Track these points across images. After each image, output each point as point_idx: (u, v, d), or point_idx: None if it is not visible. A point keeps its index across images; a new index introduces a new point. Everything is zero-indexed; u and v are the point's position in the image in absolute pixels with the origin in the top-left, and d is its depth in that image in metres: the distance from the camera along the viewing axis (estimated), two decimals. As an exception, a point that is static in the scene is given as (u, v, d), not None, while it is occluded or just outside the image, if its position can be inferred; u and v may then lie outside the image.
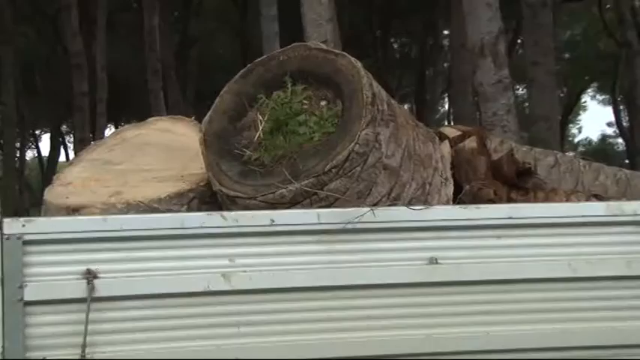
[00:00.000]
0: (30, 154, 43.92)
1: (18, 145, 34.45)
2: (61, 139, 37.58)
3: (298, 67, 4.75)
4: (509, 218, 4.51)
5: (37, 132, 42.68)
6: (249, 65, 4.93)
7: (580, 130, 48.91)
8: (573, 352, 4.46)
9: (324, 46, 5.14)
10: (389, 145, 4.52)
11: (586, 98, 44.48)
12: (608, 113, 44.22)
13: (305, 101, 4.68)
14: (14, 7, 25.43)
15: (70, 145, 34.17)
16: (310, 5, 10.40)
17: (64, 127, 36.11)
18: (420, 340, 4.34)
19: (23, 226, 4.07)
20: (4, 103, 26.08)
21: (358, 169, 4.42)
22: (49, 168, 34.23)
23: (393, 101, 4.71)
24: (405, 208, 4.45)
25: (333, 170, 4.38)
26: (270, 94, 4.72)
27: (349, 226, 4.29)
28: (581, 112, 46.77)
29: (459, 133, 5.36)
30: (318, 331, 4.28)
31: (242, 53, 24.94)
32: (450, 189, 4.89)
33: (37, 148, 44.03)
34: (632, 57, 25.69)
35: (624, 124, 35.91)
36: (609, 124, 45.13)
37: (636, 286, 4.54)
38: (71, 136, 32.54)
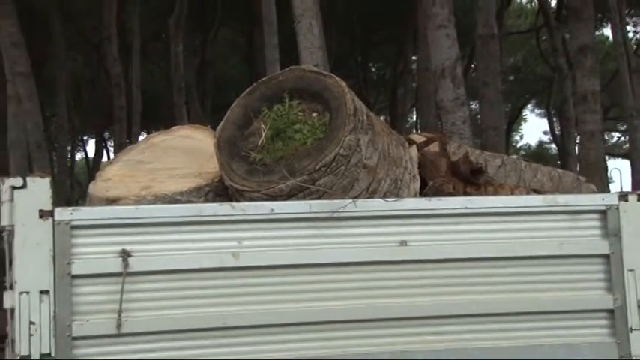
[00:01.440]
0: (79, 156, 43.87)
1: (69, 148, 34.46)
2: (103, 143, 37.55)
3: (294, 86, 4.73)
4: (465, 208, 4.51)
5: (85, 138, 42.65)
6: (254, 84, 4.92)
7: (521, 137, 49.09)
8: (515, 317, 4.45)
9: (315, 69, 5.14)
10: (368, 148, 4.50)
11: (526, 112, 44.67)
12: (543, 124, 44.37)
13: (300, 113, 4.66)
14: (66, 37, 25.37)
15: (111, 149, 34.07)
16: (304, 36, 10.38)
17: (106, 134, 36.03)
18: (392, 306, 4.33)
19: (71, 214, 4.06)
20: (57, 115, 26.03)
21: (343, 168, 4.40)
22: (94, 167, 34.18)
23: (371, 113, 4.70)
24: (381, 200, 4.47)
25: (323, 169, 4.37)
26: (271, 107, 4.69)
27: (335, 214, 4.29)
28: (522, 122, 46.93)
29: (424, 139, 5.35)
30: (309, 299, 4.26)
31: (249, 74, 24.87)
32: (417, 184, 4.88)
33: (85, 151, 44.03)
34: (562, 79, 25.81)
35: (556, 132, 36.03)
36: (545, 133, 45.28)
37: (566, 263, 4.54)
38: (112, 141, 32.44)
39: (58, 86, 25.21)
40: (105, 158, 37.20)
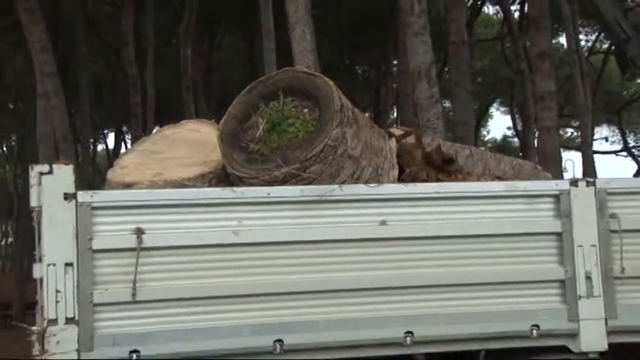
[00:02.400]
0: (100, 147, 43.77)
1: (91, 140, 34.35)
2: (122, 136, 37.38)
3: (288, 85, 4.73)
4: (437, 193, 4.54)
5: (105, 131, 42.55)
6: (253, 83, 4.92)
7: (488, 132, 48.87)
8: (481, 287, 4.49)
9: (307, 70, 5.16)
10: (352, 140, 4.50)
11: (492, 110, 44.52)
12: (507, 120, 44.36)
13: (293, 109, 4.66)
14: (88, 42, 25.31)
15: (129, 141, 34.00)
16: (298, 42, 10.37)
17: (124, 127, 35.89)
18: (373, 277, 4.36)
19: (92, 196, 4.08)
20: (81, 111, 25.99)
21: (330, 157, 4.41)
22: (113, 157, 34.15)
23: (355, 109, 4.71)
24: (364, 185, 4.48)
25: (313, 158, 4.38)
26: (268, 103, 4.69)
27: (323, 198, 4.31)
28: (489, 119, 46.80)
29: (402, 132, 5.37)
30: (300, 272, 4.29)
31: (250, 75, 24.80)
32: (396, 172, 4.88)
33: (105, 143, 43.86)
34: (523, 81, 25.73)
35: (518, 128, 36.04)
36: (508, 128, 45.16)
37: (525, 240, 4.57)
38: (129, 134, 32.41)
39: (81, 86, 25.11)
40: (123, 149, 37.27)
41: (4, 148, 43.56)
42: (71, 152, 17.33)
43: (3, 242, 46.63)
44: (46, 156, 15.26)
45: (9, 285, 28.31)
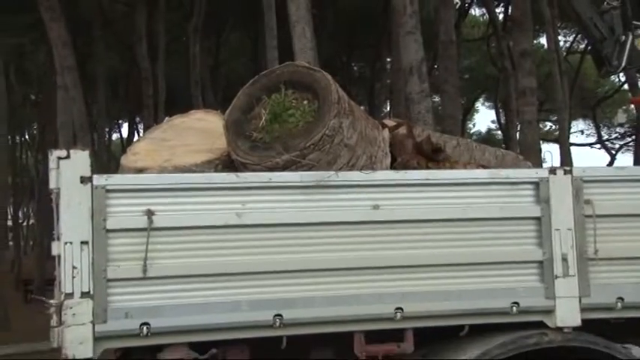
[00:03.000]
0: (115, 136, 43.80)
1: (107, 129, 34.38)
2: (135, 126, 37.47)
3: (289, 78, 4.73)
4: (427, 179, 4.52)
5: (120, 121, 42.62)
6: (256, 76, 4.92)
7: (474, 125, 49.00)
8: (466, 267, 4.48)
9: (307, 65, 5.14)
10: (348, 130, 4.50)
11: (478, 104, 44.61)
12: (491, 114, 44.49)
13: (293, 101, 4.65)
14: (105, 39, 25.33)
15: (141, 130, 34.03)
16: (299, 39, 10.39)
17: (137, 118, 35.93)
18: (366, 257, 4.35)
19: (106, 180, 4.06)
20: (97, 102, 26.02)
21: (328, 146, 4.41)
22: (127, 145, 34.20)
23: (352, 102, 4.71)
24: (359, 172, 4.47)
25: (311, 146, 4.38)
26: (270, 95, 4.68)
27: (321, 183, 4.29)
28: (475, 113, 46.88)
29: (394, 123, 5.36)
30: (299, 252, 4.26)
31: (254, 70, 24.77)
32: (388, 160, 4.89)
33: (120, 132, 43.97)
34: (507, 78, 25.84)
35: (502, 121, 36.14)
36: (492, 122, 45.33)
37: (506, 223, 4.56)
38: (142, 124, 32.44)
39: (97, 79, 25.21)
40: (136, 138, 37.35)
41: (27, 136, 43.54)
42: (88, 140, 17.39)
43: (25, 223, 46.63)
44: (65, 143, 15.32)
45: (30, 263, 28.39)
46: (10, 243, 35.13)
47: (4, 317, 18.23)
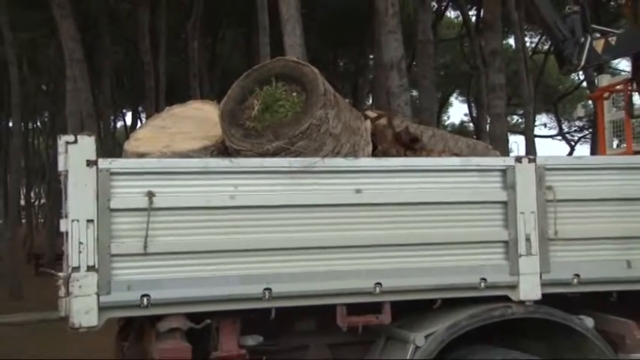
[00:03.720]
0: (119, 124, 43.60)
1: (112, 118, 34.17)
2: (137, 115, 37.30)
3: (280, 72, 4.70)
4: (405, 166, 4.52)
5: (124, 110, 42.46)
6: (249, 70, 4.89)
7: (448, 117, 49.22)
8: (440, 246, 4.48)
9: (296, 60, 5.11)
10: (334, 120, 4.48)
11: (452, 99, 44.74)
12: (464, 108, 44.70)
13: (283, 93, 4.62)
14: (110, 34, 25.21)
15: (144, 119, 33.90)
16: (289, 36, 10.36)
17: (140, 107, 35.78)
18: (349, 237, 4.33)
19: (110, 163, 4.02)
20: (103, 92, 25.89)
21: (315, 134, 4.39)
22: (130, 132, 34.14)
23: (337, 94, 4.68)
24: (343, 159, 4.46)
25: (299, 135, 4.36)
26: (262, 88, 4.66)
27: (308, 169, 4.28)
28: (449, 106, 47.03)
29: (376, 115, 5.34)
30: (287, 231, 4.25)
31: (247, 65, 24.69)
32: (370, 148, 4.86)
33: (124, 120, 43.84)
34: (478, 75, 25.86)
35: (473, 114, 36.20)
36: (465, 115, 45.53)
37: (476, 207, 4.56)
38: (144, 113, 32.36)
39: (103, 71, 25.12)
40: (139, 125, 37.24)
41: (38, 123, 43.26)
42: (94, 127, 17.34)
43: (36, 202, 46.40)
44: (73, 130, 15.22)
45: (41, 239, 28.31)
46: (23, 220, 35.06)
47: (17, 288, 18.24)
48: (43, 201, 44.46)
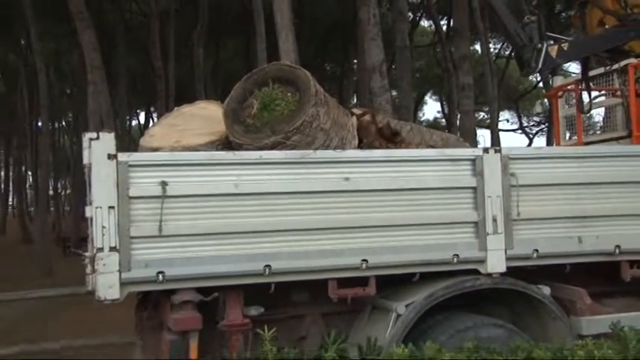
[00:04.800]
0: (134, 123, 43.36)
1: (127, 117, 34.01)
2: (150, 114, 37.23)
3: (276, 75, 4.67)
4: (387, 157, 4.51)
5: (138, 110, 42.20)
6: (249, 73, 4.85)
7: (423, 114, 49.11)
8: (418, 226, 4.48)
9: (290, 64, 5.09)
10: (324, 117, 4.45)
11: (426, 97, 44.67)
12: (437, 106, 44.76)
13: (279, 93, 4.58)
14: (126, 43, 25.04)
15: (155, 118, 33.74)
16: (283, 43, 10.31)
17: (152, 108, 35.63)
18: (338, 219, 4.33)
19: (128, 157, 4.02)
20: (119, 95, 25.74)
21: (307, 129, 4.36)
22: (144, 130, 34.03)
23: (326, 94, 4.65)
24: (332, 151, 4.44)
25: (294, 130, 4.33)
26: (261, 89, 4.62)
27: (302, 160, 4.28)
28: (424, 105, 46.97)
29: (361, 112, 5.28)
30: (284, 215, 4.24)
31: (246, 69, 24.61)
32: (356, 142, 4.83)
33: (138, 119, 43.55)
34: (449, 77, 25.92)
35: (445, 111, 36.23)
36: (438, 112, 45.63)
37: (450, 192, 4.55)
38: (155, 113, 32.22)
39: (120, 76, 24.94)
40: (151, 124, 37.10)
41: (63, 123, 42.98)
42: (112, 126, 17.24)
43: (63, 192, 46.17)
44: (94, 128, 15.13)
45: (67, 224, 28.21)
46: (52, 208, 34.90)
47: (47, 267, 18.21)
48: (68, 191, 44.22)
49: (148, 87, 29.41)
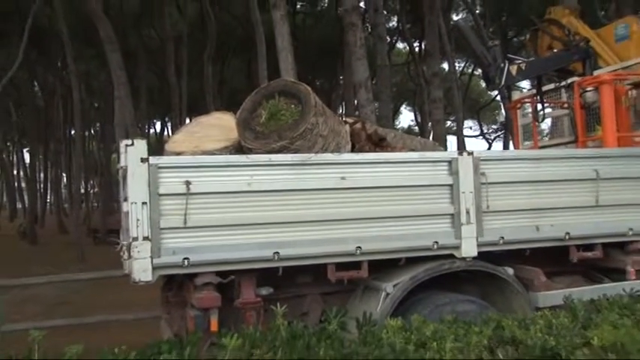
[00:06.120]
0: (151, 131, 43.05)
1: (146, 126, 33.80)
2: (165, 124, 37.02)
3: (281, 89, 4.64)
4: (376, 159, 4.51)
5: (154, 120, 41.88)
6: (257, 88, 4.83)
7: (399, 122, 49.18)
8: (403, 218, 4.47)
9: (293, 80, 5.07)
10: (322, 125, 4.43)
11: (402, 108, 44.69)
12: (411, 115, 44.85)
13: (284, 105, 4.55)
14: (146, 63, 24.96)
15: (170, 128, 33.57)
16: (283, 62, 10.28)
17: (167, 118, 35.44)
18: (336, 212, 4.31)
19: (158, 160, 3.99)
20: (141, 107, 25.60)
21: (309, 136, 4.34)
22: (159, 138, 33.89)
23: (324, 105, 4.63)
24: (330, 154, 4.42)
25: (297, 136, 4.31)
26: (268, 101, 4.59)
27: (304, 162, 4.26)
28: (400, 114, 47.02)
29: (353, 121, 5.29)
30: (290, 209, 4.22)
31: (249, 85, 24.50)
32: (349, 146, 4.81)
33: (154, 128, 43.26)
34: (422, 91, 25.97)
35: (418, 120, 36.27)
36: (412, 120, 45.63)
37: (430, 188, 4.55)
38: (170, 123, 32.09)
39: (141, 91, 24.83)
40: (165, 133, 36.93)
41: (92, 131, 42.69)
42: (136, 134, 17.14)
43: (92, 191, 45.85)
44: (120, 136, 15.07)
45: (96, 218, 28.02)
46: (83, 204, 34.67)
47: (81, 254, 18.18)
48: (96, 190, 43.89)
49: (164, 100, 29.30)
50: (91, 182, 46.24)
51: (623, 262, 5.17)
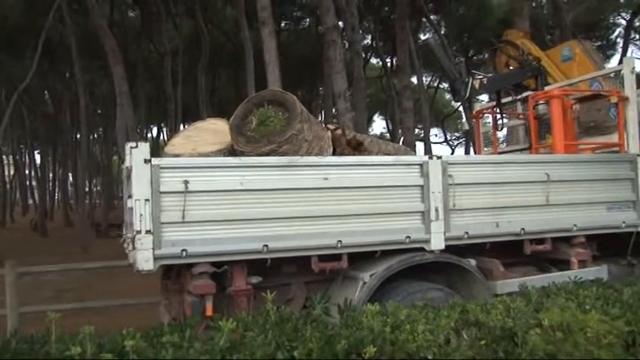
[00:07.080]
0: (149, 135, 42.43)
1: (144, 131, 33.36)
2: (161, 129, 36.58)
3: (270, 98, 4.61)
4: (356, 162, 4.52)
5: (151, 126, 41.36)
6: (248, 97, 4.80)
7: (372, 130, 49.20)
8: (379, 215, 4.45)
9: (281, 90, 5.03)
10: (307, 131, 4.43)
11: (375, 117, 44.83)
12: (383, 123, 45.02)
13: (273, 112, 4.53)
14: (144, 75, 24.69)
15: (166, 133, 33.19)
16: (270, 74, 10.23)
17: (162, 124, 35.06)
18: (320, 209, 4.31)
19: (159, 161, 3.96)
20: (139, 113, 25.29)
21: (295, 140, 4.33)
22: (156, 142, 33.63)
23: (309, 113, 4.63)
24: (314, 157, 4.41)
25: (284, 141, 4.30)
26: (258, 109, 4.57)
27: (291, 164, 4.24)
28: (373, 123, 47.15)
29: (334, 127, 5.27)
30: (277, 206, 4.20)
31: (237, 94, 24.35)
32: (331, 150, 4.80)
33: (151, 133, 42.66)
34: (393, 102, 26.14)
35: (390, 128, 36.43)
36: (384, 128, 45.74)
37: (403, 189, 4.56)
38: (165, 128, 31.75)
39: (140, 99, 24.54)
40: (162, 137, 36.62)
41: (96, 135, 42.09)
42: (136, 139, 16.93)
43: (94, 189, 45.18)
44: (122, 140, 14.89)
45: (98, 213, 27.68)
46: (87, 201, 34.23)
47: (85, 245, 17.97)
48: (98, 188, 43.27)
49: (161, 107, 28.99)
50: (94, 181, 45.59)
51: (569, 254, 5.28)
